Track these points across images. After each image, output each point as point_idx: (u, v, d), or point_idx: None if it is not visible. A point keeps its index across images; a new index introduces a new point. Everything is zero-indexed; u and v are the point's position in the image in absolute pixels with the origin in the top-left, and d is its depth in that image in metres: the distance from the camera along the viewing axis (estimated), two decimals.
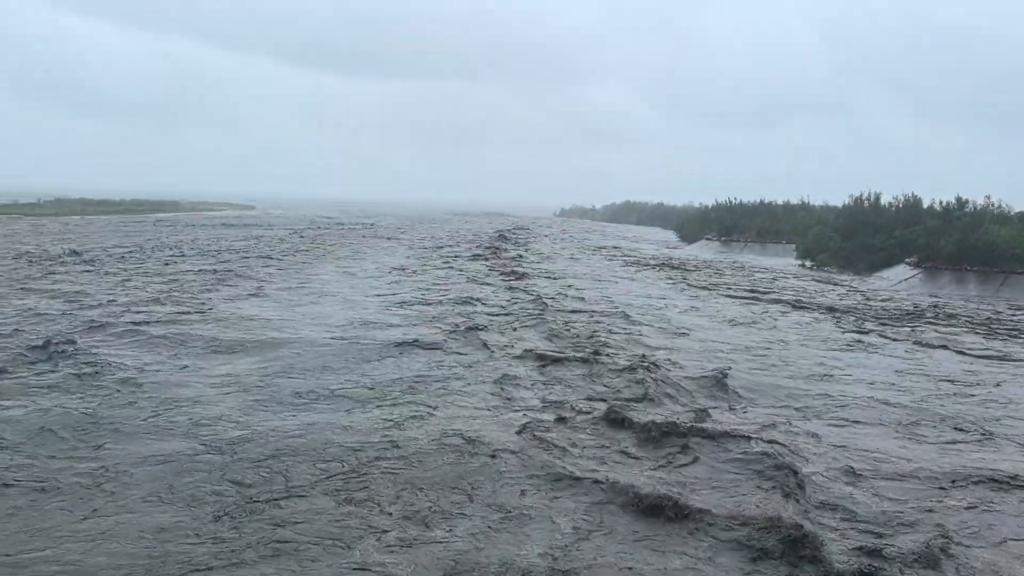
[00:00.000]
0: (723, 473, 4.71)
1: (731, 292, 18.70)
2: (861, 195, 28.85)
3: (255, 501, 4.04)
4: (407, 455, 4.77)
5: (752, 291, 19.22)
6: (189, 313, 10.41)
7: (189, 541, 3.54)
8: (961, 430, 6.16)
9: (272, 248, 25.62)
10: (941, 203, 25.75)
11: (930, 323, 14.12)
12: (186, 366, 7.19)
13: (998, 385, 8.15)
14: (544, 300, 13.65)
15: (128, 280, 14.45)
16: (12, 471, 4.35)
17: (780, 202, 39.91)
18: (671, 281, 21.30)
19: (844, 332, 12.11)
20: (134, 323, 9.24)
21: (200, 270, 16.87)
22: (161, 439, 5.00)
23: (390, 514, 3.91)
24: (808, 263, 28.24)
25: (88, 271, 15.83)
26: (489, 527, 3.81)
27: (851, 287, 22.82)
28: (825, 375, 8.25)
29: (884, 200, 28.07)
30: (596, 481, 4.43)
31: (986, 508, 4.44)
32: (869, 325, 13.23)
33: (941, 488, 4.71)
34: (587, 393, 6.73)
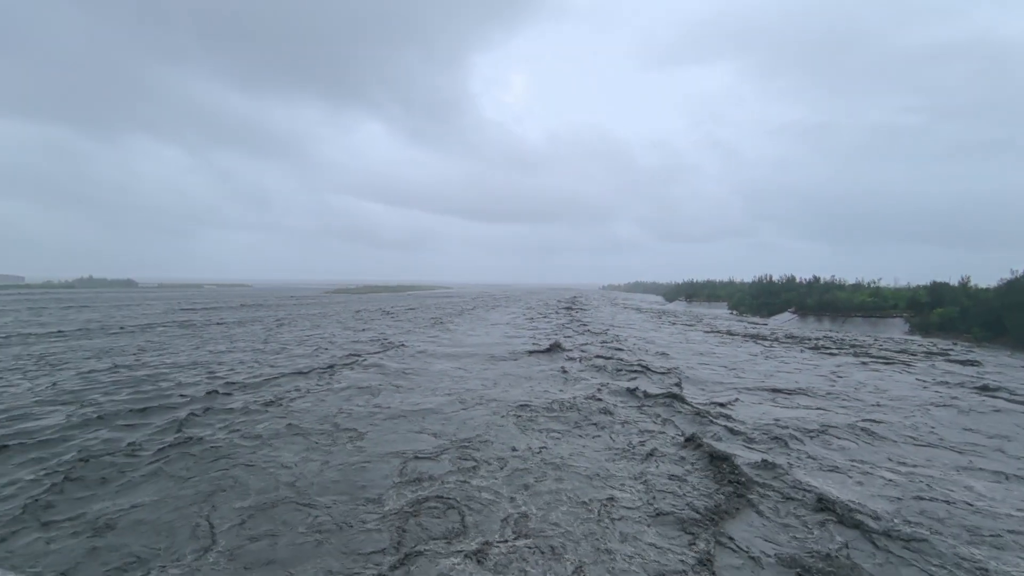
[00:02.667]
0: None
1: (682, 325, 37.37)
2: (762, 277, 49.15)
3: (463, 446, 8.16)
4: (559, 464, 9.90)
5: (691, 323, 37.97)
6: (404, 345, 26.55)
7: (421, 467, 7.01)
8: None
9: (455, 307, 47.68)
10: (805, 279, 45.59)
11: (804, 343, 32.92)
12: (423, 365, 15.72)
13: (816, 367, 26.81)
14: (595, 331, 32.44)
15: (398, 323, 32.67)
16: (321, 422, 8.93)
17: (718, 280, 62.91)
18: (661, 322, 40.03)
19: (757, 347, 30.57)
20: (403, 343, 22.97)
21: (411, 320, 35.27)
22: (418, 396, 11.14)
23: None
24: (735, 312, 47.81)
25: (378, 320, 34.22)
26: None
27: (757, 323, 40.60)
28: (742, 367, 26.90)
29: (775, 278, 48.24)
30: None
31: None
32: (774, 344, 31.82)
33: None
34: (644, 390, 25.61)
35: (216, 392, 11.11)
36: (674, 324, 34.96)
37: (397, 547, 5.13)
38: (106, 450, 7.53)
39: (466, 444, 7.97)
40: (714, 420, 9.48)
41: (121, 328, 25.99)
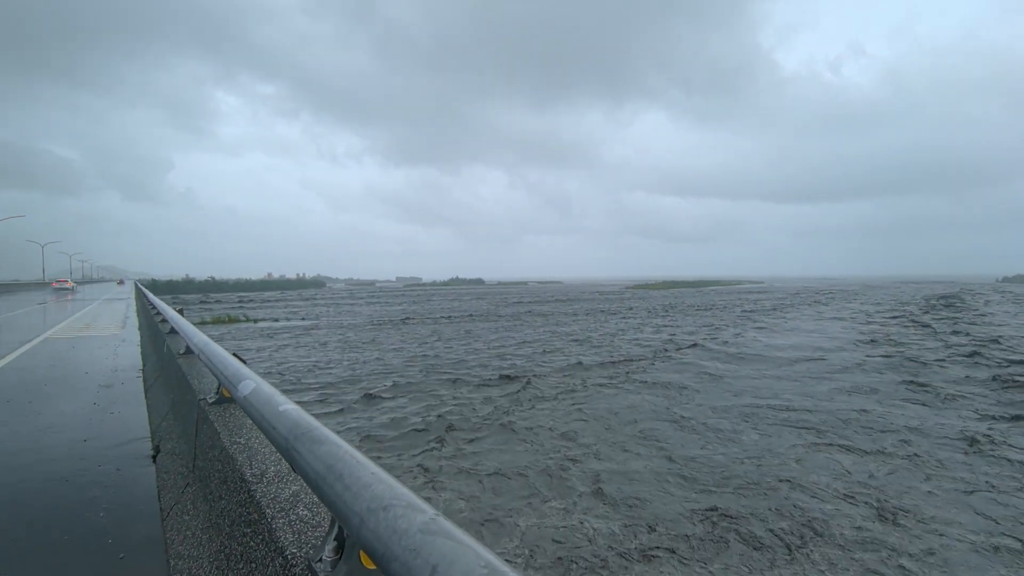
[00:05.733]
0: None
1: None
2: None
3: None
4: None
5: None
6: (724, 340, 22.93)
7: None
8: None
9: (768, 304, 47.32)
10: None
11: None
12: (736, 364, 17.16)
13: None
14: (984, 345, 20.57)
15: (716, 317, 31.96)
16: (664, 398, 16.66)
17: None
18: None
19: None
20: (711, 339, 20.65)
21: (736, 316, 34.18)
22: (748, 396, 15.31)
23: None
24: None
25: (692, 315, 35.52)
26: None
27: None
28: None
29: None
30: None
31: None
32: None
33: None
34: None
35: (580, 364, 16.25)
36: None
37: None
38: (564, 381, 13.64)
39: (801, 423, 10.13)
40: None
41: (499, 315, 39.31)
